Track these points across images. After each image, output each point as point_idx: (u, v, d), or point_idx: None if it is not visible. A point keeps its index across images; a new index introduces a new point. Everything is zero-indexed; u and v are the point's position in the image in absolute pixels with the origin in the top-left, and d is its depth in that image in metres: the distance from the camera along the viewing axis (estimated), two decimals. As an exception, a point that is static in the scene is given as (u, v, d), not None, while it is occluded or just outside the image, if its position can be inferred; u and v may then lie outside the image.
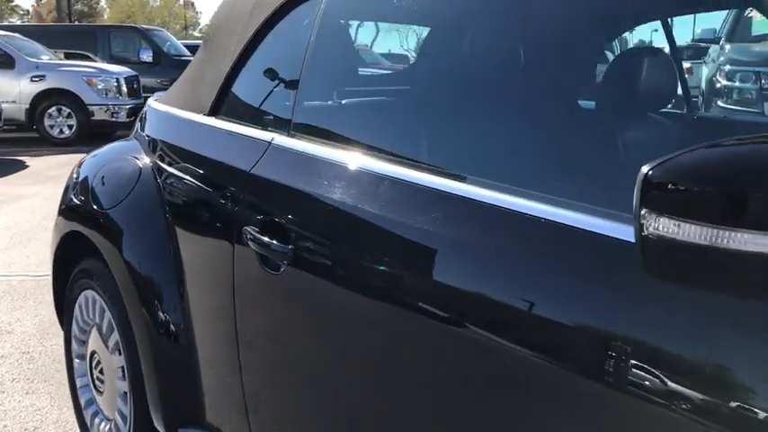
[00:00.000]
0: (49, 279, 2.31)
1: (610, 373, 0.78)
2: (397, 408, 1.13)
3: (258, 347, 1.48)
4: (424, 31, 1.75)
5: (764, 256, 0.60)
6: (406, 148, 1.24)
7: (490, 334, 0.94)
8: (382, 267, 1.15)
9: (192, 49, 12.96)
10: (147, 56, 13.38)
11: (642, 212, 0.64)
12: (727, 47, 6.58)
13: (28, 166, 8.09)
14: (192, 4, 63.19)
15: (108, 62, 12.63)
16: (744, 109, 5.80)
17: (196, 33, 57.84)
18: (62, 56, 12.42)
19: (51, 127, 10.27)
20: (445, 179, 1.09)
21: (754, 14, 7.16)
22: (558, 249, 0.88)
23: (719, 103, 6.10)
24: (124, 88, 10.61)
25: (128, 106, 10.39)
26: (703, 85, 6.55)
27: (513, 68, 1.23)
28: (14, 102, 10.17)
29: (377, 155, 1.24)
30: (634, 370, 0.76)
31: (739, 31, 6.95)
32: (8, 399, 2.61)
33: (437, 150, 1.19)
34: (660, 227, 0.62)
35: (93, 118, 10.22)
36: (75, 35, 14.57)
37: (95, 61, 12.51)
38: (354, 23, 1.87)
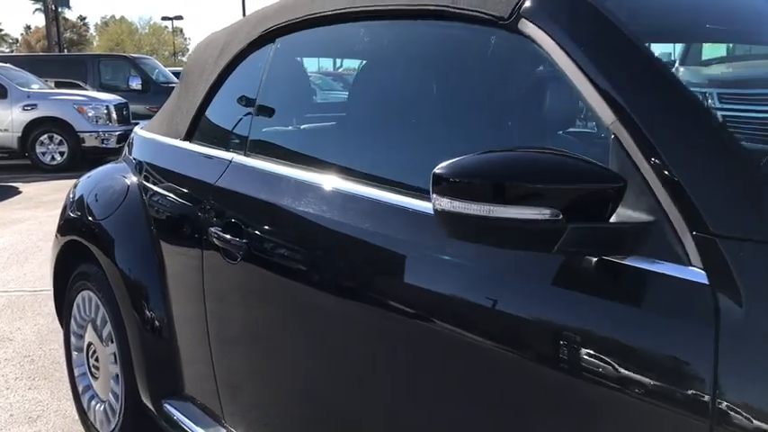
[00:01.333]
0: (46, 294, 2.66)
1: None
2: (328, 367, 1.49)
3: (222, 327, 1.84)
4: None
5: (518, 220, 0.97)
6: (329, 162, 1.61)
7: (396, 303, 1.31)
8: (314, 254, 1.52)
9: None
10: (136, 83, 13.78)
11: (433, 196, 1.01)
12: (681, 69, 7.03)
13: (21, 192, 8.42)
14: (181, 30, 63.84)
15: (98, 90, 13.01)
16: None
17: (185, 59, 58.40)
18: (53, 84, 12.78)
19: (43, 154, 10.58)
20: (357, 185, 1.47)
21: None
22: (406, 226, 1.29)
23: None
24: (114, 115, 10.93)
25: (117, 133, 10.69)
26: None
27: (416, 100, 1.62)
28: (7, 130, 10.51)
29: (309, 168, 1.62)
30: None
31: (691, 55, 7.41)
32: (13, 394, 2.94)
33: (354, 163, 1.57)
34: (443, 205, 0.99)
35: (83, 144, 10.52)
36: (66, 64, 14.96)
37: (86, 89, 12.89)
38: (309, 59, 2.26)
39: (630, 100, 1.05)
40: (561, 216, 0.94)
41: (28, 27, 65.10)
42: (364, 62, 1.90)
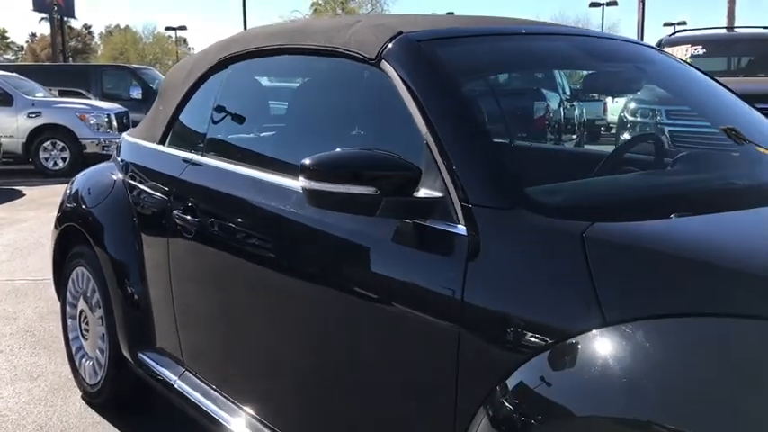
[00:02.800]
0: (46, 282, 3.18)
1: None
2: (261, 316, 2.02)
3: (182, 290, 2.36)
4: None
5: (351, 194, 1.48)
6: (253, 158, 2.15)
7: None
8: (243, 227, 2.05)
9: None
10: (136, 93, 14.36)
11: (300, 177, 1.53)
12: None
13: (24, 195, 8.96)
14: (185, 40, 64.48)
15: (100, 99, 13.58)
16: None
17: (188, 69, 58.90)
18: (56, 93, 13.35)
19: (46, 159, 11.11)
20: (267, 173, 1.99)
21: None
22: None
23: (626, 134, 7.07)
24: (115, 123, 11.48)
25: (118, 140, 11.22)
26: (616, 120, 7.57)
27: (312, 112, 2.16)
28: (12, 136, 11.02)
29: (246, 164, 2.15)
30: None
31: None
32: (17, 359, 3.46)
33: (267, 158, 2.11)
34: (305, 185, 1.51)
35: (85, 151, 11.00)
36: (70, 74, 15.58)
37: (88, 98, 13.45)
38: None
39: (436, 120, 1.58)
40: (378, 192, 1.47)
41: (33, 35, 65.83)
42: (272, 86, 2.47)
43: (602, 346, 1.17)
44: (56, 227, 3.09)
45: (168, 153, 2.57)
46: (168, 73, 2.87)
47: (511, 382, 1.27)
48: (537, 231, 1.38)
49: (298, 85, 2.24)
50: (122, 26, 65.51)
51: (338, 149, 1.54)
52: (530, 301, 1.32)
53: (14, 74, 12.67)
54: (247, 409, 2.06)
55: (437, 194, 1.52)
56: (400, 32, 1.80)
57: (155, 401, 2.80)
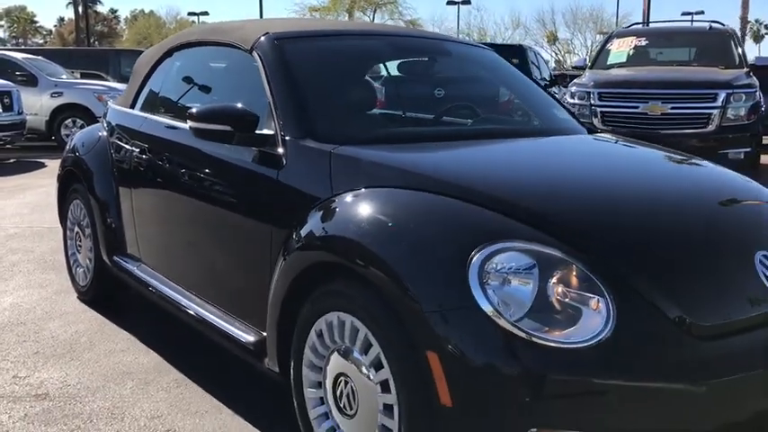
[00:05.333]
0: (57, 229, 4.23)
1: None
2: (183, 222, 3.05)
3: (139, 209, 3.39)
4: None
5: (215, 129, 2.49)
6: (175, 114, 3.18)
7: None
8: (171, 159, 3.07)
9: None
10: (151, 75, 15.42)
11: (188, 120, 2.54)
12: (586, 72, 8.49)
13: (46, 166, 10.11)
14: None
15: (118, 81, 14.70)
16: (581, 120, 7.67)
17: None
18: (78, 75, 14.48)
19: (67, 136, 12.14)
20: (177, 122, 3.02)
21: (613, 48, 9.04)
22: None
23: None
24: (129, 103, 12.58)
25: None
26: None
27: (208, 82, 3.18)
28: (36, 114, 12.15)
29: (172, 117, 3.17)
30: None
31: (600, 60, 8.86)
32: (32, 276, 4.53)
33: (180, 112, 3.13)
34: (190, 125, 2.52)
35: (101, 128, 12.17)
36: (90, 57, 16.74)
37: (107, 80, 14.59)
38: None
39: (273, 88, 2.58)
40: (232, 129, 2.47)
41: (61, 19, 67.46)
42: (200, 65, 3.47)
43: (341, 202, 2.15)
44: (59, 171, 4.14)
45: (134, 114, 3.60)
46: (139, 57, 3.91)
47: (297, 231, 2.27)
48: (311, 150, 2.38)
49: (210, 65, 3.26)
50: (147, 11, 66.89)
51: (211, 104, 2.56)
52: (306, 188, 2.32)
53: (39, 57, 13.83)
54: (171, 279, 3.11)
55: (270, 132, 2.52)
56: (267, 32, 2.81)
57: (123, 299, 3.86)
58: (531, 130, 3.09)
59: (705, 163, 2.72)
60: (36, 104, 12.19)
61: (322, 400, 2.19)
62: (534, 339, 1.70)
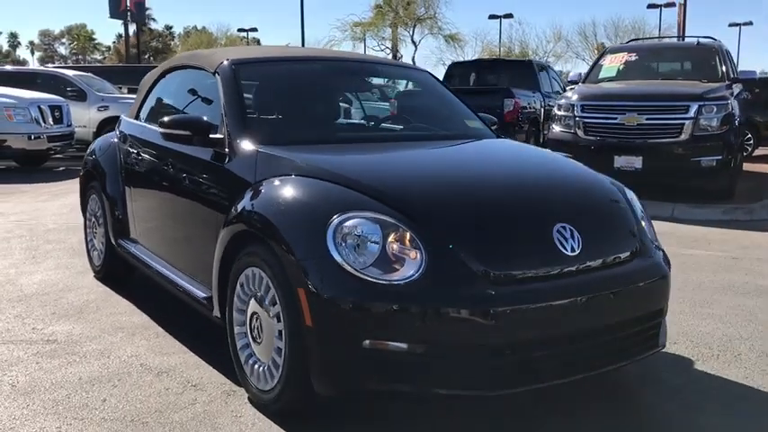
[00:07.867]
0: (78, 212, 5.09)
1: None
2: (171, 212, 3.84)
3: (137, 200, 4.20)
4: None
5: (179, 134, 3.26)
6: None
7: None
8: (156, 157, 3.86)
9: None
10: (192, 90, 16.50)
11: (159, 128, 3.32)
12: (578, 86, 9.09)
13: (91, 172, 11.15)
14: (258, 41, 67.52)
15: (160, 95, 15.78)
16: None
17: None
18: (126, 90, 15.61)
19: (112, 145, 13.33)
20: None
21: (606, 63, 9.62)
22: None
23: (552, 124, 8.66)
24: (169, 116, 13.61)
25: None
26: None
27: (183, 98, 3.97)
28: (85, 126, 13.28)
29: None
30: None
31: (592, 75, 9.45)
32: (60, 260, 5.38)
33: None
34: (161, 130, 3.29)
35: (142, 138, 13.20)
36: (136, 73, 17.82)
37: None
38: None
39: (225, 102, 3.35)
40: (191, 134, 3.24)
41: (120, 36, 70.20)
42: (181, 84, 4.26)
43: (259, 187, 2.89)
44: (81, 171, 5.00)
45: (137, 123, 4.42)
46: (145, 76, 4.76)
47: (230, 210, 3.01)
48: (246, 149, 3.14)
49: (188, 84, 4.07)
50: (200, 27, 69.15)
51: (178, 114, 3.34)
52: (242, 176, 3.07)
53: (89, 74, 15.01)
54: (156, 254, 3.90)
55: (221, 136, 3.29)
56: (228, 59, 3.58)
57: (132, 278, 4.68)
58: (430, 135, 3.80)
59: (554, 155, 3.40)
60: (84, 117, 13.34)
61: (245, 335, 2.93)
62: (369, 279, 2.41)
